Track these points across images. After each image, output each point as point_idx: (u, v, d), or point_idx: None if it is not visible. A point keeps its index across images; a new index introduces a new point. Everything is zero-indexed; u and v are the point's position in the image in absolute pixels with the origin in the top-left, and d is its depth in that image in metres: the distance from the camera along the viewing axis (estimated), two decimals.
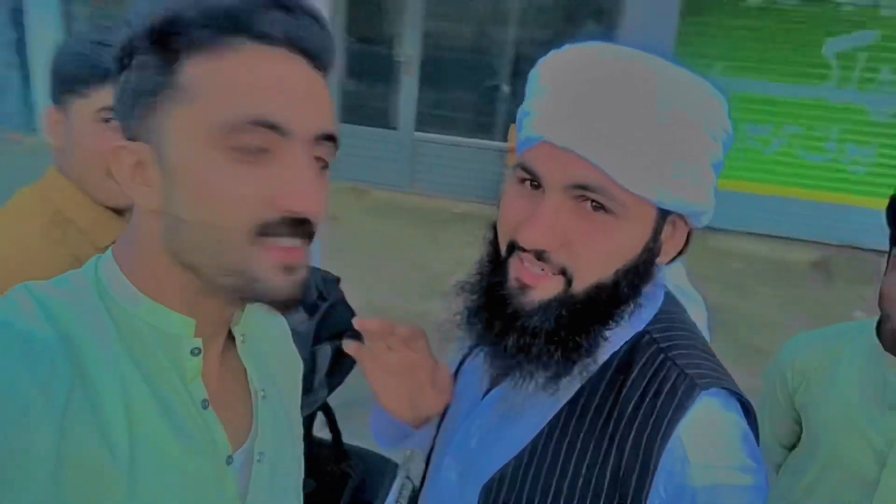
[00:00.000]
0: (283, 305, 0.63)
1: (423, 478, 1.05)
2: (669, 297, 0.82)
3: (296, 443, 0.85)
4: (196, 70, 0.59)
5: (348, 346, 0.90)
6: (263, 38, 0.59)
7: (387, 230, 5.94)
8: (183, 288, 0.64)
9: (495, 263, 0.79)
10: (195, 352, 0.66)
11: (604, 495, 0.72)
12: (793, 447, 1.46)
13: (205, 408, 0.67)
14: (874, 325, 1.29)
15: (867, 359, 1.27)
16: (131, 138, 0.62)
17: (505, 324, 0.75)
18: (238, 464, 0.71)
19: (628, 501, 0.70)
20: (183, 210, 0.60)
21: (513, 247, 0.75)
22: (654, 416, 0.71)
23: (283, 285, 0.62)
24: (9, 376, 0.53)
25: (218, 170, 0.58)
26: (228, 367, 0.74)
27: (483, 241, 0.84)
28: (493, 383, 0.87)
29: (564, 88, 0.70)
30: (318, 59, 0.63)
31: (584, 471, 0.73)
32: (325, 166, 0.65)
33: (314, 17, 0.62)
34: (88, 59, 1.07)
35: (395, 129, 6.81)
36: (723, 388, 0.72)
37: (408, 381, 0.92)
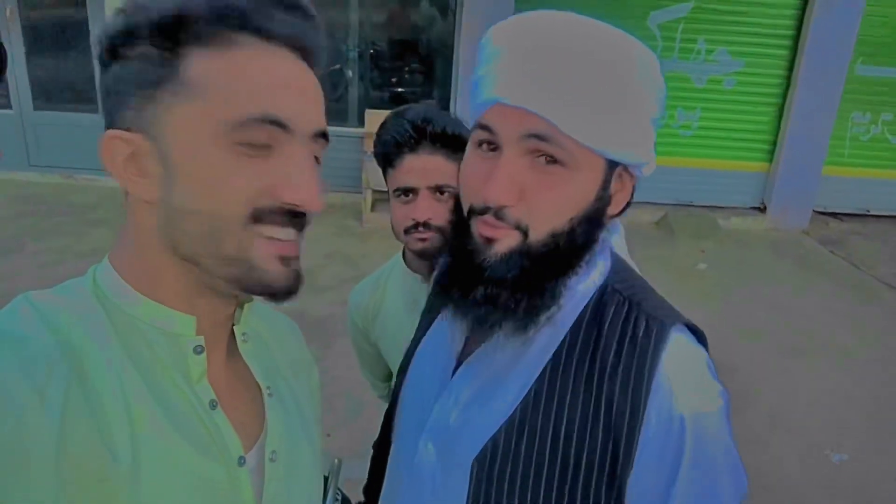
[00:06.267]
0: (281, 296, 0.64)
1: (375, 469, 1.09)
2: (615, 254, 0.88)
3: (313, 442, 0.84)
4: (203, 66, 0.59)
5: None
6: (268, 36, 0.61)
7: None
8: (180, 283, 0.64)
9: (459, 227, 0.83)
10: (198, 350, 0.66)
11: (600, 438, 0.76)
12: (390, 378, 1.63)
13: (213, 408, 0.67)
14: (401, 254, 1.49)
15: (403, 282, 1.46)
16: (122, 128, 0.61)
17: (473, 276, 0.79)
18: (252, 464, 0.70)
19: (622, 438, 0.74)
20: (183, 200, 0.60)
21: (472, 211, 0.79)
22: (636, 357, 0.76)
23: (280, 275, 0.63)
24: (2, 380, 0.53)
25: (222, 163, 0.59)
26: (236, 367, 0.74)
27: (446, 209, 0.91)
28: (461, 360, 0.88)
29: (513, 52, 0.75)
30: (313, 57, 0.65)
31: (577, 421, 0.77)
32: (318, 163, 0.67)
33: (310, 16, 0.64)
34: None
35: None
36: (683, 323, 0.79)
37: None
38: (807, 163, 6.51)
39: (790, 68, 6.44)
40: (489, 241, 0.77)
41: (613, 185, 0.79)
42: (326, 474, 1.51)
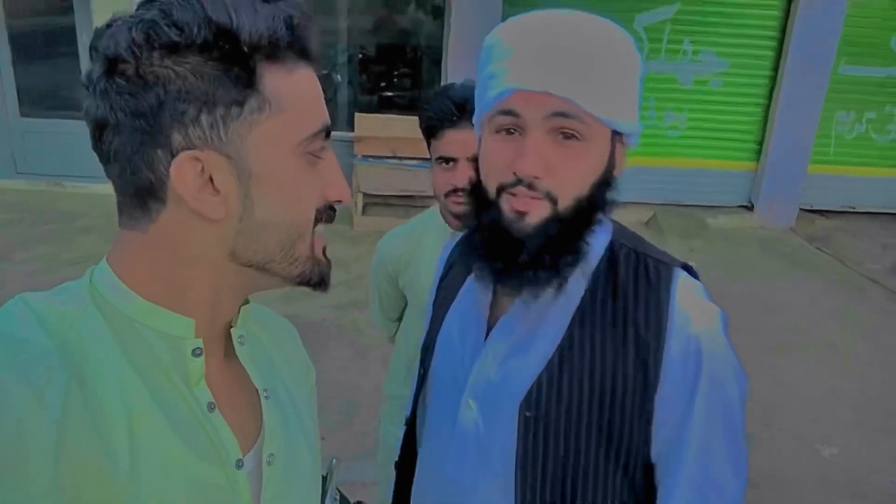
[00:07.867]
0: (328, 284, 0.72)
1: (409, 442, 1.17)
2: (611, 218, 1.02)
3: (311, 444, 0.84)
4: (274, 83, 0.61)
5: None
6: (303, 53, 0.65)
7: None
8: (211, 290, 0.66)
9: (483, 207, 0.92)
10: (196, 352, 0.66)
11: (630, 365, 0.88)
12: (399, 319, 1.87)
13: (211, 410, 0.67)
14: (439, 210, 1.65)
15: (440, 236, 1.61)
16: (184, 148, 0.59)
17: (511, 247, 0.88)
18: (250, 467, 0.70)
19: (651, 362, 0.87)
20: (265, 213, 0.64)
21: (502, 188, 0.88)
22: (652, 295, 0.90)
23: (328, 265, 0.72)
24: (1, 384, 0.53)
25: (299, 172, 0.65)
26: (233, 370, 0.74)
27: (464, 196, 1.04)
28: (491, 323, 0.98)
29: (526, 47, 0.85)
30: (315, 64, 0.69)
31: (609, 354, 0.89)
32: None
33: (314, 25, 0.66)
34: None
35: None
36: (681, 265, 0.96)
37: None
38: (793, 161, 6.58)
39: (775, 69, 6.51)
40: (521, 214, 0.86)
41: (616, 152, 0.91)
42: (324, 474, 1.51)
